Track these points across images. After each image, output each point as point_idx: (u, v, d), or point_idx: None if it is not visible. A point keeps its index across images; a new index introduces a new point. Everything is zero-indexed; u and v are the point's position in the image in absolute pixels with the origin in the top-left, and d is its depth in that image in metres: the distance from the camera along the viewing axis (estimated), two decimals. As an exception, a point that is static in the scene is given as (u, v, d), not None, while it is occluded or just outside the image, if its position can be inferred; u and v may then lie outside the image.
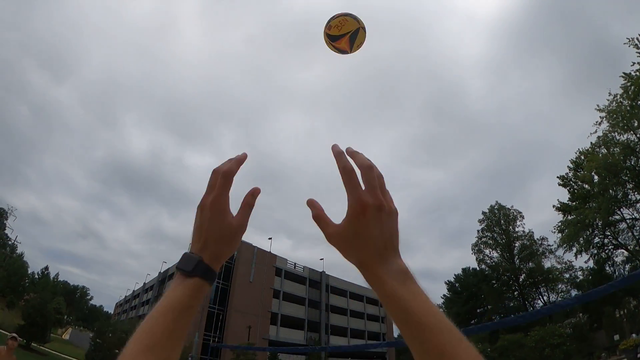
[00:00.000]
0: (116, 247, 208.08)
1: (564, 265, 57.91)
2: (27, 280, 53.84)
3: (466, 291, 73.73)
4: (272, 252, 68.31)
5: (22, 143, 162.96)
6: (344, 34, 4.47)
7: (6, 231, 68.01)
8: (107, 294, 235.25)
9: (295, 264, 73.25)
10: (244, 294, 60.00)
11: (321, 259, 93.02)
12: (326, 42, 4.61)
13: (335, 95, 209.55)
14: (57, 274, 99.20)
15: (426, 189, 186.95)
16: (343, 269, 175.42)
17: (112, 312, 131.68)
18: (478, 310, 71.82)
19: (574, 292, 55.87)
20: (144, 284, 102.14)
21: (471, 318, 72.47)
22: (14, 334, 7.30)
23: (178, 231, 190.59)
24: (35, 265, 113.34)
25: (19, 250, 68.59)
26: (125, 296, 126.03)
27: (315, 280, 74.83)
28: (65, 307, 54.24)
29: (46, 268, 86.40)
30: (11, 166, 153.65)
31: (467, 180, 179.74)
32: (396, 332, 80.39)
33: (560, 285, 60.21)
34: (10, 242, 66.88)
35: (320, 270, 76.50)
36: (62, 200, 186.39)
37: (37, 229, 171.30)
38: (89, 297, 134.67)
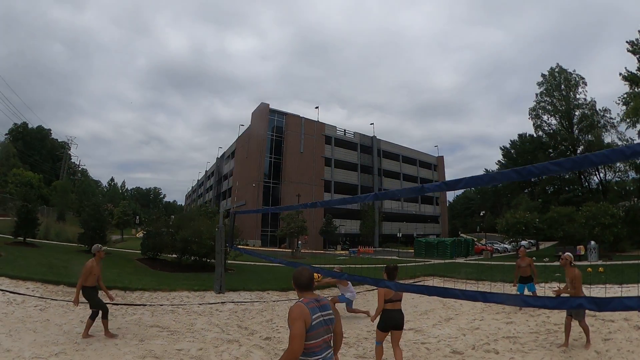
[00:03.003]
0: (178, 144, 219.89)
1: (625, 142, 52.41)
2: (100, 196, 57.95)
3: (521, 158, 71.73)
4: (320, 121, 68.17)
5: (66, 77, 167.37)
6: None
7: (72, 160, 73.05)
8: (178, 189, 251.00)
9: (345, 130, 72.83)
10: (296, 165, 61.64)
11: (371, 124, 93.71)
12: None
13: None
14: (124, 182, 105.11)
15: (484, 51, 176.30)
16: (395, 133, 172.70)
17: (184, 204, 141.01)
18: (532, 180, 69.80)
19: (632, 174, 52.35)
20: (205, 171, 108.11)
21: (525, 186, 71.37)
22: (98, 245, 7.96)
23: (234, 116, 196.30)
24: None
25: (90, 173, 74.86)
26: (192, 187, 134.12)
27: (367, 146, 74.62)
28: (137, 208, 58.26)
29: (112, 179, 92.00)
30: (62, 102, 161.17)
31: (527, 42, 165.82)
32: (450, 195, 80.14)
33: (619, 165, 55.43)
34: (79, 169, 72.30)
35: (371, 135, 76.07)
36: (119, 116, 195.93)
37: (104, 149, 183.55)
38: (162, 196, 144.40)
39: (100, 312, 7.40)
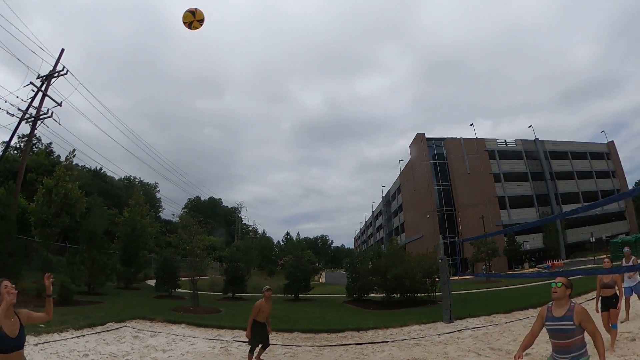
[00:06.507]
0: (336, 192, 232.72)
1: None
2: (276, 250, 63.54)
3: None
4: (478, 137, 65.92)
5: (224, 153, 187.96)
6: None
7: (244, 222, 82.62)
8: (344, 233, 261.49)
9: (505, 140, 69.13)
10: (465, 188, 60.00)
11: (529, 127, 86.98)
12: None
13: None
14: (298, 234, 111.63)
15: (613, 7, 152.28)
16: (556, 130, 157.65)
17: (353, 247, 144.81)
18: None
19: None
20: (372, 212, 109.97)
21: None
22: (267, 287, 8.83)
23: (382, 155, 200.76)
24: (279, 237, 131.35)
25: (259, 230, 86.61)
26: (360, 229, 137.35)
27: (531, 151, 69.09)
28: (314, 257, 62.00)
29: (287, 234, 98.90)
30: (225, 174, 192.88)
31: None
32: (631, 183, 68.75)
33: None
34: (250, 228, 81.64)
35: (533, 139, 70.39)
36: (276, 177, 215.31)
37: (268, 208, 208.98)
38: (329, 242, 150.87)
39: None
